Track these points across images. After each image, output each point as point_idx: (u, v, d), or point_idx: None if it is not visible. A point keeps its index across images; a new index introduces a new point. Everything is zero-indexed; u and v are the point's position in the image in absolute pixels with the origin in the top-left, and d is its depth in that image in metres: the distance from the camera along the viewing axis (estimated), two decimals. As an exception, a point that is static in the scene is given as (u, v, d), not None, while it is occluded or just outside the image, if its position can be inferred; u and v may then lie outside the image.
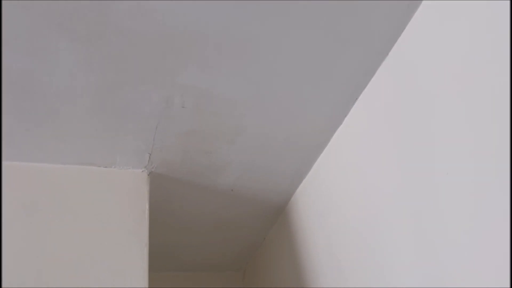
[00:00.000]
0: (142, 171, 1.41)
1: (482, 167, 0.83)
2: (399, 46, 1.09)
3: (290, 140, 1.39)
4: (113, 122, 1.22)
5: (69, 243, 1.22)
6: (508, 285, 0.74)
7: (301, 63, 1.12)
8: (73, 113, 1.16)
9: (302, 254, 1.58)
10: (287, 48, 1.08)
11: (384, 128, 1.14)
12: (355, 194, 1.26)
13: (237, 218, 1.77)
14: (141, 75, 1.09)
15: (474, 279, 0.83)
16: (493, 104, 0.81)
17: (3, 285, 1.11)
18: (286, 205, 1.73)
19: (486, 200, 0.81)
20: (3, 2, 0.88)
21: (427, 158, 0.97)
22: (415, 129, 1.02)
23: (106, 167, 1.38)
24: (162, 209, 1.61)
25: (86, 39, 0.97)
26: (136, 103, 1.16)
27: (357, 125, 1.28)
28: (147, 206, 1.34)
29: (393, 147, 1.10)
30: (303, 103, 1.25)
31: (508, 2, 0.78)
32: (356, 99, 1.25)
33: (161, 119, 1.23)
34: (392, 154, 1.10)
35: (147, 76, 1.09)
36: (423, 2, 1.00)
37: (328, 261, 1.40)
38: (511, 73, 0.76)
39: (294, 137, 1.38)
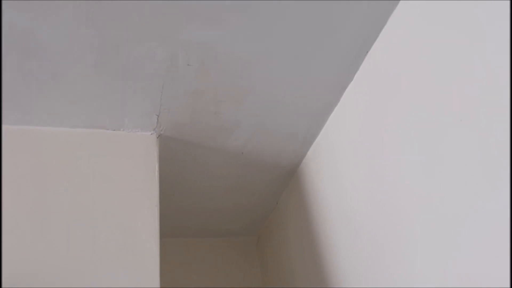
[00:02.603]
0: (151, 134, 1.40)
1: (489, 121, 0.80)
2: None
3: (299, 99, 1.36)
4: (119, 83, 1.20)
5: (79, 207, 1.22)
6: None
7: (308, 15, 1.08)
8: (78, 73, 1.15)
9: (315, 217, 1.57)
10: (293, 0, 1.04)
11: (398, 83, 1.09)
12: (367, 154, 1.23)
13: (249, 182, 1.76)
14: (143, 32, 1.06)
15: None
16: (495, 63, 0.77)
17: (12, 244, 1.12)
18: (298, 168, 1.71)
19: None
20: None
21: (442, 111, 0.94)
22: (431, 82, 0.98)
23: (114, 130, 1.37)
24: (173, 173, 1.61)
25: (85, -7, 0.95)
26: (140, 61, 1.14)
27: (368, 81, 1.23)
28: (157, 168, 1.34)
29: (407, 102, 1.05)
30: (311, 57, 1.21)
31: None
32: (367, 52, 1.21)
33: (166, 78, 1.21)
34: (406, 110, 1.06)
35: (150, 32, 1.07)
36: None
37: (342, 224, 1.38)
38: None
39: (303, 96, 1.34)
